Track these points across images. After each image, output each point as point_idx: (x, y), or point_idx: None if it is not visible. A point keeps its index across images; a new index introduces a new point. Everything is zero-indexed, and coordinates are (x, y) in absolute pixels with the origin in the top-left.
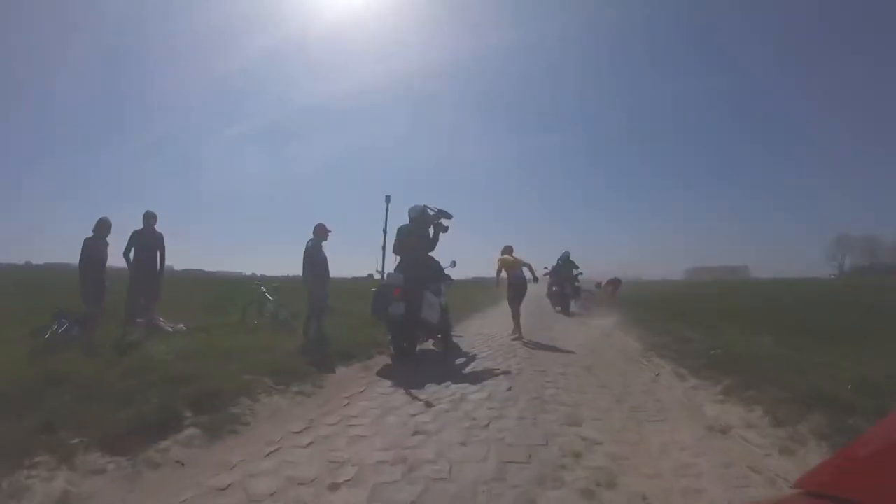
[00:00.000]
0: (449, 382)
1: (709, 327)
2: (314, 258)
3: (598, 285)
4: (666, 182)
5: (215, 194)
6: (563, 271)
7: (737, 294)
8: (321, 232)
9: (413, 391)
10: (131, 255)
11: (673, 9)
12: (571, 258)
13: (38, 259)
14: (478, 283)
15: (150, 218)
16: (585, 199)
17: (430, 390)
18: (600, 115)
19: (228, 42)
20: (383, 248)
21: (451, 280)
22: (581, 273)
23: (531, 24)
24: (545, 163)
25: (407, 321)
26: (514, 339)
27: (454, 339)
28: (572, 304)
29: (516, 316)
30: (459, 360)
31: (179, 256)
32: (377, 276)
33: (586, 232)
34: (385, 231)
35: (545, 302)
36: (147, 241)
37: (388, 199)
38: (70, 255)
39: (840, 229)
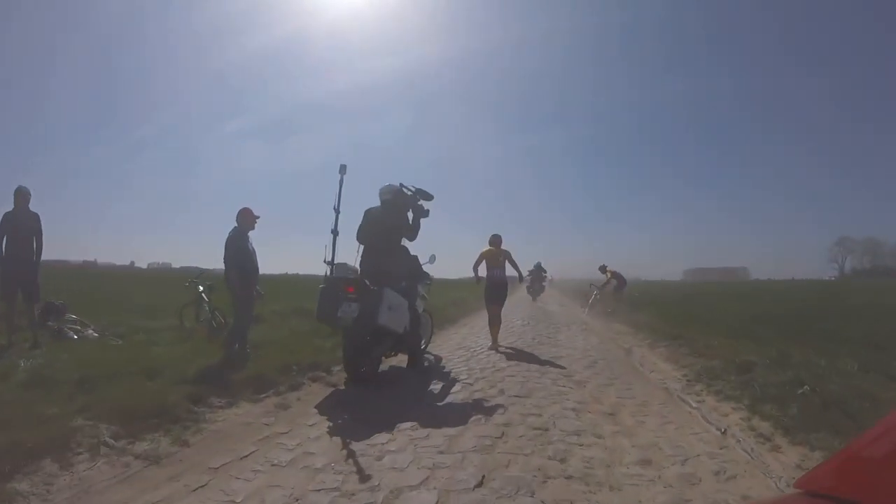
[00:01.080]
0: (386, 451)
1: (754, 340)
2: (240, 251)
3: (603, 268)
4: (665, 182)
5: (214, 190)
6: (536, 274)
7: (756, 296)
8: (247, 218)
9: (318, 467)
10: (3, 244)
11: (681, 8)
12: (542, 265)
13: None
14: (475, 283)
15: (21, 196)
16: (586, 198)
17: (341, 473)
18: (604, 116)
19: (228, 38)
20: (333, 232)
21: (430, 279)
22: (545, 273)
23: (536, 22)
24: (547, 162)
25: (361, 328)
26: (490, 349)
27: (431, 356)
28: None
29: (494, 324)
30: (426, 393)
31: (179, 253)
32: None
33: (586, 231)
34: (337, 209)
35: (550, 308)
36: (21, 225)
37: (342, 168)
38: (68, 251)
39: (841, 231)
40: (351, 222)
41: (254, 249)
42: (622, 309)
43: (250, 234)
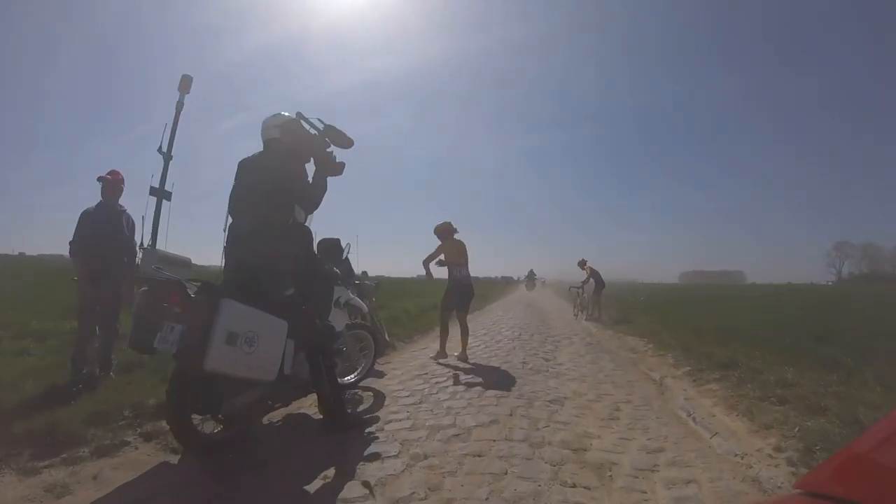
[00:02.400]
0: None
1: (833, 367)
2: (95, 229)
3: (582, 263)
4: (661, 184)
5: (211, 187)
6: (530, 277)
7: (768, 302)
8: (109, 186)
9: None
10: None
11: (682, 11)
12: (535, 272)
13: (33, 250)
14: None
15: None
16: (583, 200)
17: None
18: (602, 118)
19: (227, 37)
20: (156, 194)
21: (369, 283)
22: (537, 277)
23: (539, 23)
24: (546, 163)
25: (189, 369)
26: (436, 359)
27: (368, 393)
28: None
29: (445, 330)
30: (299, 499)
31: (174, 250)
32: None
33: (582, 233)
34: (165, 153)
35: (545, 308)
36: None
37: (184, 82)
38: (63, 245)
39: (839, 236)
40: (356, 216)
41: (130, 224)
42: (600, 311)
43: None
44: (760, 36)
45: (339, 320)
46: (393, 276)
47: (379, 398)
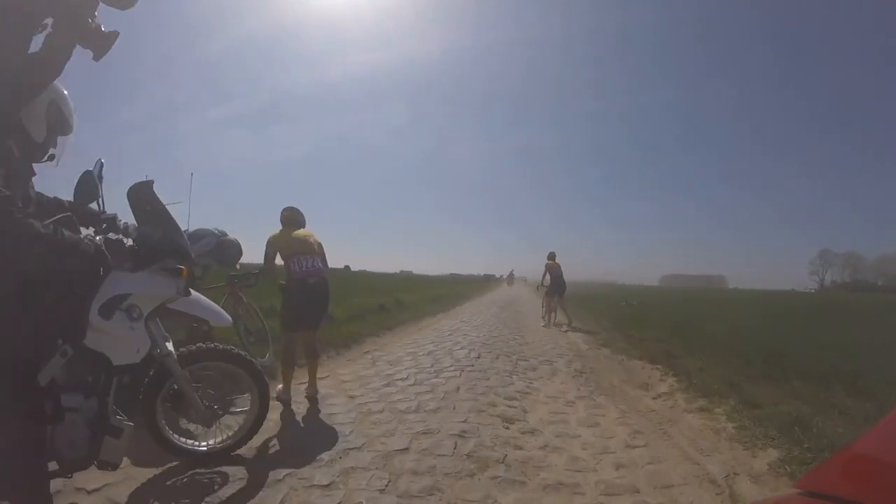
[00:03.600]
0: None
1: None
2: None
3: (551, 256)
4: (646, 186)
5: (199, 178)
6: (510, 276)
7: (780, 310)
8: None
9: None
10: None
11: (672, 16)
12: (514, 273)
13: None
14: (452, 280)
15: None
16: (570, 201)
17: None
18: (591, 120)
19: (219, 27)
20: None
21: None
22: (515, 276)
23: (532, 25)
24: (534, 164)
25: None
26: (280, 398)
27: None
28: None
29: (288, 361)
30: None
31: None
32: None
33: (567, 233)
34: None
35: (522, 310)
36: None
37: None
38: None
39: (822, 244)
40: (347, 210)
41: None
42: (568, 317)
43: None
44: (751, 45)
45: (127, 343)
46: (381, 271)
47: (251, 483)
